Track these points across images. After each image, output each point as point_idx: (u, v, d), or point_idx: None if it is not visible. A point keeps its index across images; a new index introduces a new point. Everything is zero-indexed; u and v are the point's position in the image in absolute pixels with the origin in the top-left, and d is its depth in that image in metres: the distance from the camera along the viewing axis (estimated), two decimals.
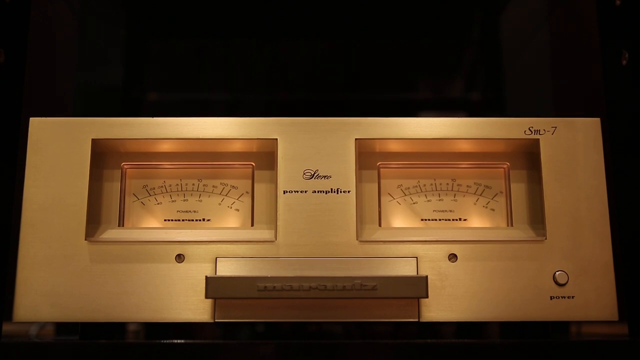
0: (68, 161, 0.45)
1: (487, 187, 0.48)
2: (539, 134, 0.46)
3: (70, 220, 0.44)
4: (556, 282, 0.44)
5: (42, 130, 0.46)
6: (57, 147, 0.45)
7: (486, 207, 0.48)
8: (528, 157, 0.48)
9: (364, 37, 0.64)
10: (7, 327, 0.46)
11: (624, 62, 0.53)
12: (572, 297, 0.44)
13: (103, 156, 0.47)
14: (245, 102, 0.65)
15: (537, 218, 0.46)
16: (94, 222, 0.46)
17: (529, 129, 0.46)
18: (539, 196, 0.46)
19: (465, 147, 0.48)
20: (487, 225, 0.47)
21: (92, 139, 0.45)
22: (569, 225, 0.45)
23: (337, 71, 0.64)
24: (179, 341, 0.41)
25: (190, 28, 0.65)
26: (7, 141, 0.52)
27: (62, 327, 0.45)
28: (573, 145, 0.46)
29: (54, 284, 0.43)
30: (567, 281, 0.44)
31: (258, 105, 0.65)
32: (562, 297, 0.44)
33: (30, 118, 0.46)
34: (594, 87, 0.56)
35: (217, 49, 0.65)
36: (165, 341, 0.40)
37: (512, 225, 0.47)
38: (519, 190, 0.47)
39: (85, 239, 0.44)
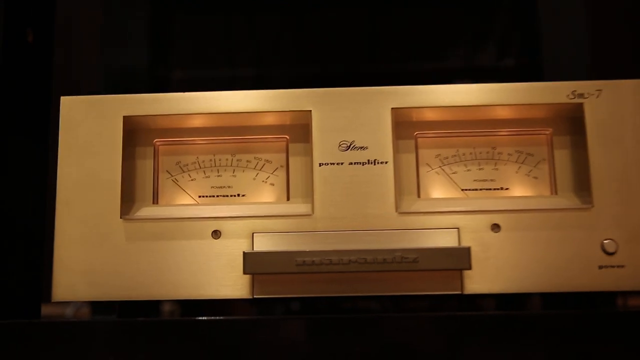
0: (100, 139, 0.45)
1: (529, 154, 0.47)
2: (583, 97, 0.45)
3: (105, 199, 0.44)
4: (604, 251, 0.43)
5: (74, 109, 0.45)
6: (89, 125, 0.45)
7: (529, 175, 0.46)
8: (571, 122, 0.46)
9: (392, 5, 0.63)
10: (43, 310, 0.46)
11: None
12: (622, 266, 0.43)
13: (135, 133, 0.47)
14: (272, 77, 0.64)
15: (582, 185, 0.45)
16: (128, 200, 0.45)
17: (572, 92, 0.45)
18: (584, 162, 0.45)
19: (504, 113, 0.46)
20: (530, 193, 0.46)
21: (124, 116, 0.45)
22: (617, 192, 0.44)
23: (364, 42, 0.63)
24: (217, 317, 0.40)
25: (215, 3, 0.64)
26: (39, 121, 0.52)
27: (98, 308, 0.44)
28: (619, 108, 0.44)
29: (90, 262, 0.43)
30: (617, 250, 0.43)
31: (287, 80, 0.64)
32: (611, 267, 0.43)
33: (62, 97, 0.46)
34: None
35: (242, 24, 0.64)
36: (205, 318, 0.40)
37: (556, 193, 0.46)
38: (562, 156, 0.46)
39: (121, 217, 0.44)
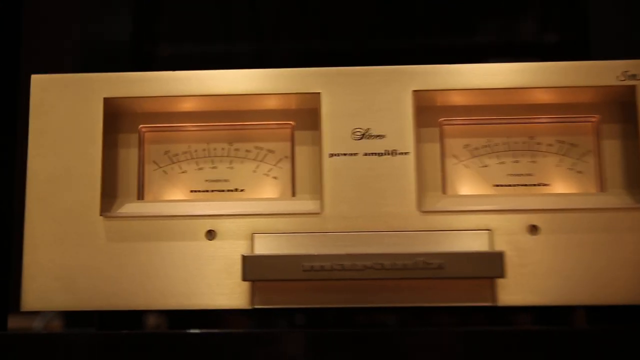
0: (77, 125, 0.43)
1: (572, 145, 0.45)
2: (636, 79, 0.43)
3: (83, 194, 0.42)
4: None
5: (47, 90, 0.44)
6: (64, 108, 0.43)
7: (572, 169, 0.45)
8: (622, 107, 0.44)
9: None
10: (9, 322, 0.45)
11: None
12: None
13: (118, 118, 0.45)
14: (275, 54, 0.63)
15: (634, 181, 0.43)
16: (110, 195, 0.44)
17: (623, 73, 0.43)
18: (636, 154, 0.42)
19: (544, 97, 0.44)
20: (574, 190, 0.44)
21: (104, 98, 0.43)
22: None
23: (382, 13, 0.60)
24: (211, 331, 0.39)
25: None
26: (5, 103, 0.51)
27: (73, 320, 0.42)
28: None
29: (66, 267, 0.42)
30: None
31: (292, 57, 0.62)
32: None
33: (32, 75, 0.44)
34: None
35: None
36: (197, 331, 0.39)
37: (604, 190, 0.44)
38: (611, 147, 0.44)
39: (101, 215, 0.42)
